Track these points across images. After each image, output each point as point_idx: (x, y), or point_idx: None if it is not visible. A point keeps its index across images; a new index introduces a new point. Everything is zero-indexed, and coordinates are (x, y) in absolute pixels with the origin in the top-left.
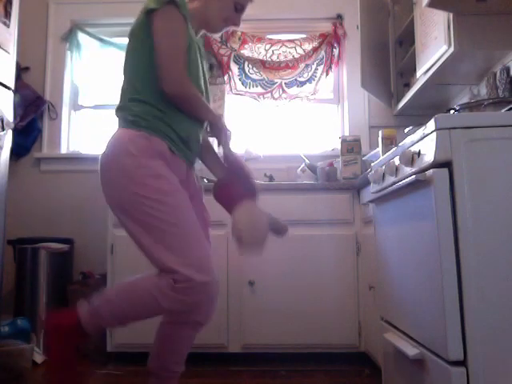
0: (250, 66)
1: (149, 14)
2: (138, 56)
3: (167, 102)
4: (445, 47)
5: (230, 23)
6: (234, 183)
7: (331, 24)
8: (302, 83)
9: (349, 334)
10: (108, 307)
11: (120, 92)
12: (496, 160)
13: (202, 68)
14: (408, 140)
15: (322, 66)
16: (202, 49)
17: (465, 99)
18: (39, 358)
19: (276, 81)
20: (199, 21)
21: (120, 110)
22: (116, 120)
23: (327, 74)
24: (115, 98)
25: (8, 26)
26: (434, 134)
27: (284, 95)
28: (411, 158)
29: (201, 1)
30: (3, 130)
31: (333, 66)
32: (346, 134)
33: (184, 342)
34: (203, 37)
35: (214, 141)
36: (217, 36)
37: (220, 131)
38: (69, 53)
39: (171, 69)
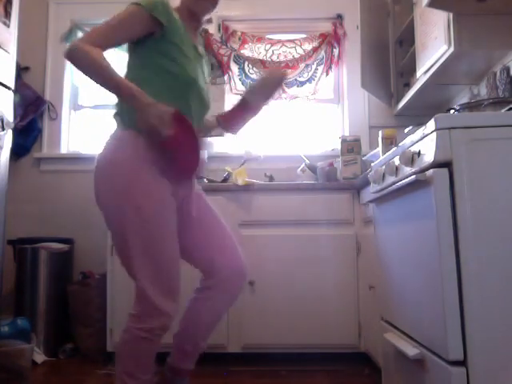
0: (250, 65)
1: None
2: (128, 58)
3: (157, 95)
4: (445, 47)
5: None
6: None
7: (331, 24)
8: (302, 83)
9: (349, 334)
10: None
11: None
12: (496, 160)
13: (201, 68)
14: (408, 140)
15: (322, 66)
16: (200, 48)
17: (465, 99)
18: (39, 358)
19: None
20: (186, 14)
21: (114, 110)
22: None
23: (327, 74)
24: (115, 98)
25: (8, 26)
26: (434, 133)
27: (284, 95)
28: (411, 158)
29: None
30: (3, 129)
31: (333, 66)
32: (346, 134)
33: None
34: (203, 36)
35: None
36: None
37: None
38: None
39: (84, 40)
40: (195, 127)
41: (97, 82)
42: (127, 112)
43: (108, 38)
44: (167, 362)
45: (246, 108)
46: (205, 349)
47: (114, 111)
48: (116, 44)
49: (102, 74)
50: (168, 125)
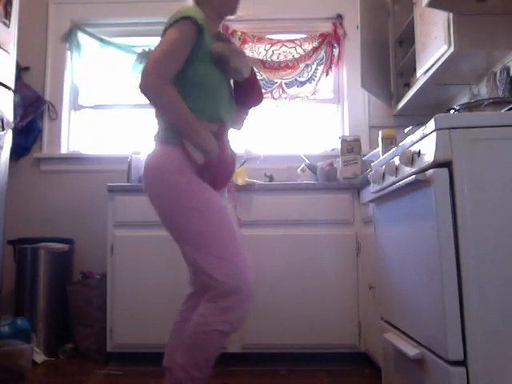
0: None
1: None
2: None
3: (201, 107)
4: (445, 47)
5: None
6: None
7: (331, 24)
8: (302, 83)
9: (349, 334)
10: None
11: None
12: (496, 160)
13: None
14: (408, 140)
15: (322, 66)
16: None
17: (465, 99)
18: (39, 358)
19: (276, 81)
20: (212, 16)
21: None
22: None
23: (327, 74)
24: (115, 98)
25: (8, 26)
26: (434, 134)
27: (284, 95)
28: (411, 158)
29: (201, 3)
30: (3, 129)
31: (333, 66)
32: (346, 134)
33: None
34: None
35: None
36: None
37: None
38: (69, 53)
39: (149, 68)
40: (228, 133)
41: (167, 119)
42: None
43: (174, 66)
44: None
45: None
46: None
47: (156, 133)
48: (180, 67)
49: (174, 115)
50: (216, 151)
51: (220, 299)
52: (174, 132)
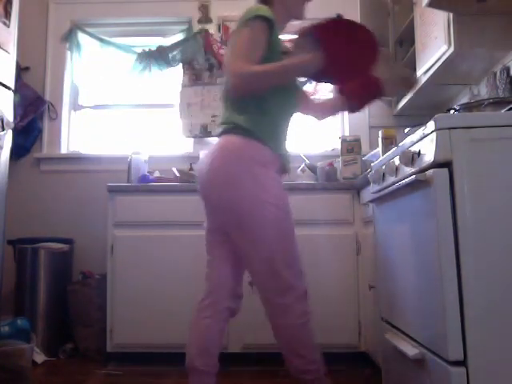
0: None
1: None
2: None
3: (280, 114)
4: (445, 47)
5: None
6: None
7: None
8: (302, 83)
9: (349, 334)
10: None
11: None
12: (496, 160)
13: None
14: (408, 140)
15: None
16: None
17: (465, 99)
18: (39, 357)
19: None
20: (282, 19)
21: (232, 117)
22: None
23: None
24: (115, 98)
25: (8, 26)
26: (434, 134)
27: None
28: (411, 158)
29: (275, 2)
30: (3, 129)
31: None
32: (346, 134)
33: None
34: (202, 37)
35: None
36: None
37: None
38: (69, 53)
39: (232, 67)
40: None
41: (277, 84)
42: (252, 124)
43: (255, 57)
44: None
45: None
46: None
47: (229, 124)
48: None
49: (277, 78)
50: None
51: (284, 297)
52: (256, 126)
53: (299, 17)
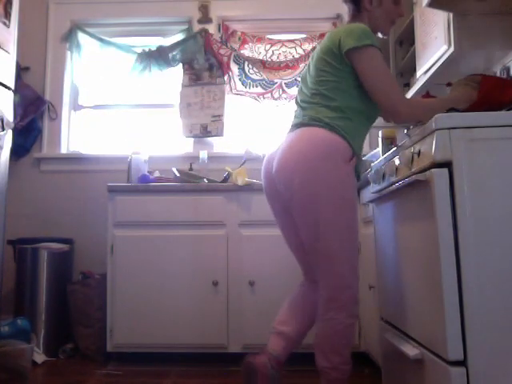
0: (250, 66)
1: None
2: (334, 76)
3: (361, 120)
4: (445, 47)
5: (396, 18)
6: None
7: (331, 24)
8: None
9: None
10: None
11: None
12: (496, 160)
13: None
14: (408, 140)
15: None
16: None
17: None
18: (39, 357)
19: (276, 81)
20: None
21: (319, 114)
22: (305, 118)
23: None
24: (115, 98)
25: (8, 26)
26: (434, 133)
27: (284, 95)
28: (411, 158)
29: (365, 17)
30: (3, 129)
31: None
32: None
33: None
34: (203, 36)
35: None
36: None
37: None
38: (69, 53)
39: (394, 103)
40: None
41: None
42: (342, 128)
43: (396, 84)
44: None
45: None
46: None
47: (314, 119)
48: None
49: (432, 112)
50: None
51: (339, 297)
52: (336, 122)
53: (385, 34)
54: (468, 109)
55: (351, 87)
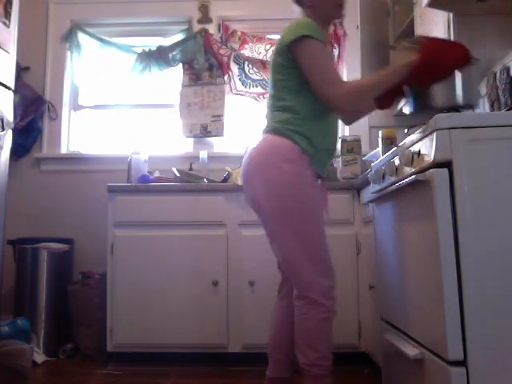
0: (250, 66)
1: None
2: (283, 75)
3: (315, 115)
4: None
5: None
6: None
7: (331, 24)
8: None
9: (349, 334)
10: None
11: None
12: (496, 160)
13: None
14: (408, 140)
15: None
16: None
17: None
18: (39, 357)
19: None
20: (324, 24)
21: (269, 117)
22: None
23: None
24: (115, 98)
25: (8, 26)
26: (434, 134)
27: None
28: (411, 158)
29: (309, 12)
30: (3, 129)
31: None
32: (346, 134)
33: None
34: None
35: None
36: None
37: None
38: (69, 53)
39: (329, 95)
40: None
41: (373, 97)
42: (291, 130)
43: (335, 71)
44: (266, 375)
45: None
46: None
47: (282, 124)
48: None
49: (376, 89)
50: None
51: (307, 294)
52: (284, 124)
53: (337, 18)
54: (411, 74)
55: (299, 84)
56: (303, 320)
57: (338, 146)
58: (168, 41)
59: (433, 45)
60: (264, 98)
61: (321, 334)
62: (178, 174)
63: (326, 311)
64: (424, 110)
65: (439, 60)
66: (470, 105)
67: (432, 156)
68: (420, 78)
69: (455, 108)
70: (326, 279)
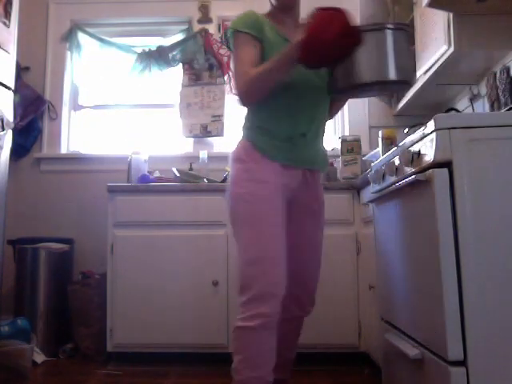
0: None
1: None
2: None
3: (260, 105)
4: (445, 47)
5: None
6: None
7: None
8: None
9: (349, 334)
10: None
11: None
12: (496, 160)
13: None
14: (408, 140)
15: None
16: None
17: (465, 99)
18: (39, 357)
19: None
20: (277, 13)
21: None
22: None
23: None
24: (115, 98)
25: (8, 26)
26: (434, 134)
27: None
28: (411, 158)
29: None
30: (3, 129)
31: None
32: (346, 133)
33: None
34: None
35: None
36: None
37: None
38: (69, 53)
39: (236, 90)
40: (310, 127)
41: (278, 79)
42: (246, 128)
43: (250, 65)
44: None
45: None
46: (293, 357)
47: (243, 126)
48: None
49: (268, 78)
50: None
51: (241, 296)
52: (243, 126)
53: (287, 3)
54: (300, 56)
55: None
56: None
57: (314, 128)
58: (168, 41)
59: (318, 19)
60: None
61: (236, 345)
62: (178, 174)
63: (246, 318)
64: (345, 90)
65: (319, 36)
66: (405, 81)
67: (432, 156)
68: (311, 56)
69: (454, 108)
70: (260, 283)
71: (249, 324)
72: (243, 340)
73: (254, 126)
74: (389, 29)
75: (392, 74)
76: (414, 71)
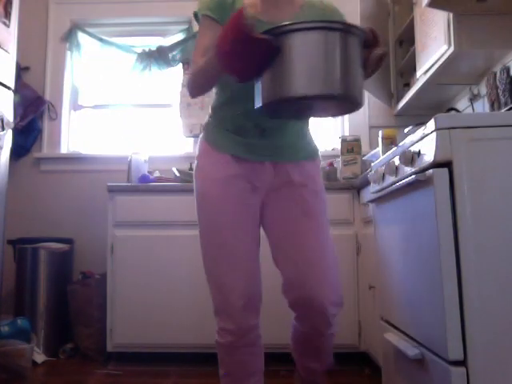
0: None
1: None
2: None
3: (216, 100)
4: (445, 47)
5: None
6: None
7: None
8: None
9: (349, 334)
10: None
11: None
12: (496, 160)
13: None
14: (408, 140)
15: None
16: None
17: (465, 99)
18: (39, 357)
19: None
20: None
21: None
22: None
23: None
24: (115, 98)
25: (8, 26)
26: (434, 133)
27: None
28: (411, 158)
29: None
30: (3, 129)
31: None
32: (346, 133)
33: None
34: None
35: None
36: None
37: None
38: (69, 53)
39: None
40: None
41: (212, 81)
42: (205, 123)
43: (201, 54)
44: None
45: None
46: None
47: None
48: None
49: (204, 77)
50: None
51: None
52: (206, 121)
53: None
54: (221, 69)
55: None
56: None
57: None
58: (168, 41)
59: (231, 20)
60: None
61: (220, 358)
62: (178, 174)
63: (218, 331)
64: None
65: (220, 48)
66: (345, 96)
67: (432, 156)
68: (229, 70)
69: (454, 108)
70: (218, 295)
71: (219, 340)
72: (219, 354)
73: (208, 119)
74: (325, 29)
75: (322, 88)
76: (361, 89)
